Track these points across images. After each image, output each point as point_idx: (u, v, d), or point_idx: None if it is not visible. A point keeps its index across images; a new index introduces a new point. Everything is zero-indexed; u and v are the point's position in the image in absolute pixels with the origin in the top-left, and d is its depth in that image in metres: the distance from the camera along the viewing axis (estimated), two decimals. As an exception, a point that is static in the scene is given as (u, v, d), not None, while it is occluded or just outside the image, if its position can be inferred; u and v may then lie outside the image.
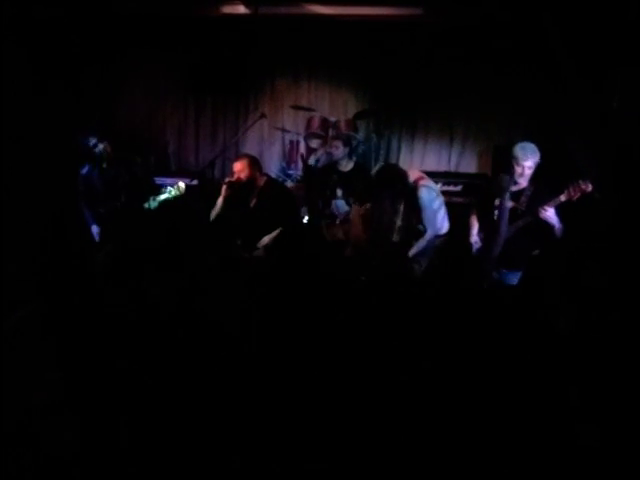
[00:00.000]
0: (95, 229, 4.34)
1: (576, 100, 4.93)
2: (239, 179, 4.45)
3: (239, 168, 4.46)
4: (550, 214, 3.44)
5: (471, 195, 5.43)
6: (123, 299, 2.49)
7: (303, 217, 5.03)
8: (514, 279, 3.76)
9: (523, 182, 3.68)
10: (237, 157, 4.68)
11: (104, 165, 4.28)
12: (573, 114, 5.08)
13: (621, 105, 4.54)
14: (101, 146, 4.22)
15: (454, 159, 6.20)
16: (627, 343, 2.65)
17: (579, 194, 3.36)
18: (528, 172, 3.61)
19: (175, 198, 4.29)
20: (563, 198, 3.40)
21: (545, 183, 3.66)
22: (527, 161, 3.58)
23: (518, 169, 3.61)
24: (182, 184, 4.31)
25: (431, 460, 2.13)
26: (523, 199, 3.65)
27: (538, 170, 3.66)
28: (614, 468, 2.14)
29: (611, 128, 4.63)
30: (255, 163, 4.54)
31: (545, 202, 3.46)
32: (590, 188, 3.33)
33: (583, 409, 2.31)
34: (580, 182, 3.34)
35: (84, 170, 4.35)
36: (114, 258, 3.13)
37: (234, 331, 2.44)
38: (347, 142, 4.98)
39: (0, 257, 3.84)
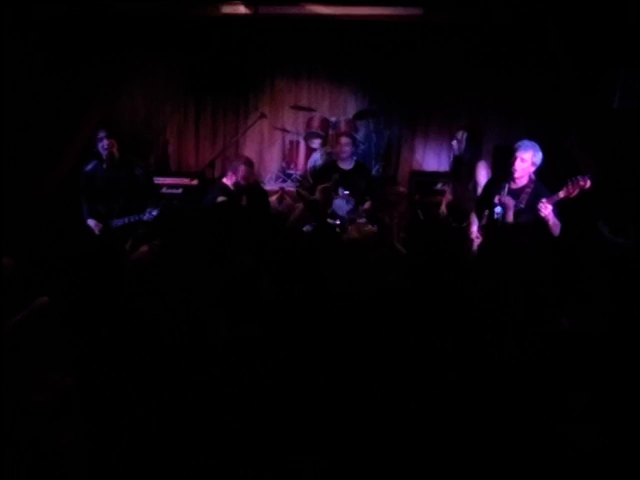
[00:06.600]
0: (92, 223, 4.30)
1: (575, 99, 4.94)
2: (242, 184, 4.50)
3: (247, 175, 4.51)
4: (549, 211, 3.41)
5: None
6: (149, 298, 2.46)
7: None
8: None
9: (522, 180, 3.67)
10: (244, 162, 4.61)
11: (104, 165, 4.25)
12: (573, 113, 5.09)
13: (621, 105, 4.54)
14: (106, 142, 4.17)
15: (454, 159, 6.20)
16: (628, 342, 2.65)
17: (578, 190, 3.33)
18: (521, 165, 3.59)
19: None
20: (562, 195, 3.38)
21: (545, 182, 3.65)
22: (520, 151, 3.56)
23: (512, 160, 3.61)
24: None
25: (431, 461, 2.13)
26: (523, 196, 3.63)
27: (539, 169, 3.65)
28: (614, 470, 2.13)
29: (611, 128, 4.64)
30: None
31: (544, 198, 3.43)
32: (588, 184, 3.30)
33: (583, 411, 2.31)
34: (579, 178, 3.32)
35: (89, 166, 4.34)
36: (159, 255, 3.09)
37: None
38: (353, 138, 5.03)
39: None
